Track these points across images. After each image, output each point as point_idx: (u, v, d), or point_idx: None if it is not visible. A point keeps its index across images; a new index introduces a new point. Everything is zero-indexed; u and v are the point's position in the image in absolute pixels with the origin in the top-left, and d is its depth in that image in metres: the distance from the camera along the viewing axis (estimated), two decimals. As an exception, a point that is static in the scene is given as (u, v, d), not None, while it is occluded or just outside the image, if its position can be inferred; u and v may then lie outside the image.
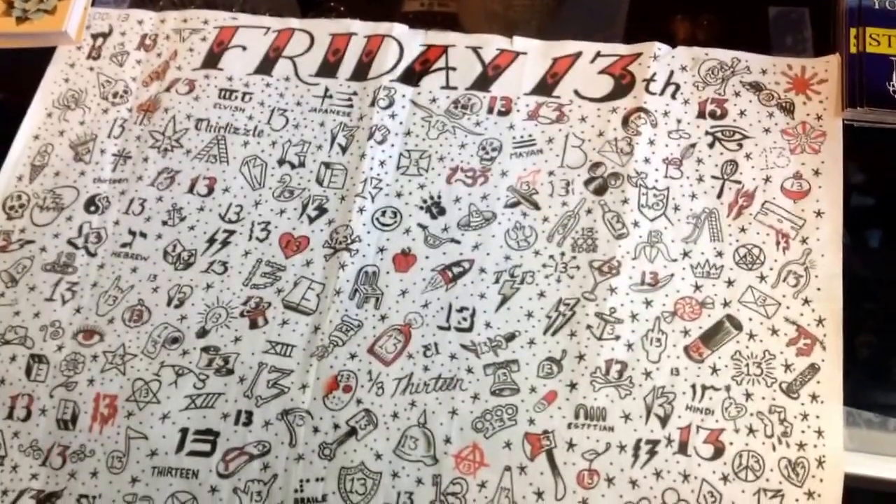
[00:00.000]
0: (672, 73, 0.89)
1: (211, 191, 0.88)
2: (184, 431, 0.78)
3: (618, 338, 0.77)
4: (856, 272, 0.78)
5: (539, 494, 0.74)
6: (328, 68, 0.94)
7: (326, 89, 0.92)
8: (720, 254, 0.80)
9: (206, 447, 0.78)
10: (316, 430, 0.77)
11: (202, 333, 0.82)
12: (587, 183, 0.84)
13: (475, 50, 0.93)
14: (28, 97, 0.96)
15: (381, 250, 0.84)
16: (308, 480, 0.76)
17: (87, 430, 0.79)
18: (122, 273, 0.85)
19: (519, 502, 0.74)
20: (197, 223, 0.87)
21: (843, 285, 0.77)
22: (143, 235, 0.87)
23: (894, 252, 0.80)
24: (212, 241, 0.86)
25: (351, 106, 0.91)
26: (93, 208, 0.89)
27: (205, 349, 0.81)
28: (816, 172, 0.82)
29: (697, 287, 0.79)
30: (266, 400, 0.78)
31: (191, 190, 0.88)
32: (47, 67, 0.97)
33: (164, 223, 0.87)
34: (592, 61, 0.91)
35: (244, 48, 0.96)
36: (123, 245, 0.87)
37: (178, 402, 0.79)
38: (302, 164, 0.89)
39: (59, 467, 0.79)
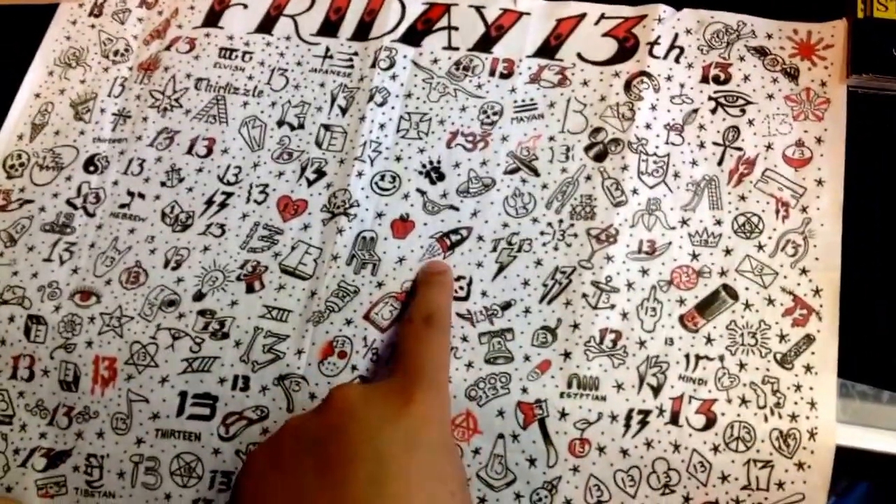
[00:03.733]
0: (676, 35, 0.87)
1: (210, 152, 0.88)
2: (183, 395, 0.79)
3: (613, 307, 0.77)
4: (855, 242, 0.77)
5: (531, 462, 0.74)
6: (329, 27, 0.92)
7: (327, 49, 0.91)
8: (719, 222, 0.79)
9: (206, 411, 0.78)
10: (312, 395, 0.78)
11: (199, 297, 0.82)
12: (587, 149, 0.83)
13: (478, 9, 0.91)
14: (30, 55, 0.95)
15: (380, 215, 0.83)
16: (304, 444, 0.77)
17: (90, 391, 0.80)
18: (119, 234, 0.85)
19: (512, 469, 0.74)
20: (195, 184, 0.86)
21: (841, 255, 0.77)
22: (142, 196, 0.87)
23: (894, 223, 0.79)
24: (210, 202, 0.86)
25: (352, 66, 0.90)
26: (92, 168, 0.89)
27: (201, 312, 0.81)
28: (819, 140, 0.81)
29: (695, 256, 0.79)
30: (262, 365, 0.79)
31: (190, 151, 0.88)
32: (49, 25, 0.96)
33: (163, 184, 0.87)
34: (596, 23, 0.89)
35: (245, 6, 0.94)
36: (122, 206, 0.86)
37: (175, 365, 0.80)
38: (301, 126, 0.88)
39: (65, 427, 0.80)
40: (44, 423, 0.80)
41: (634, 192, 0.81)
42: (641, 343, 0.76)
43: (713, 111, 0.84)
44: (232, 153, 0.87)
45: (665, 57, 0.86)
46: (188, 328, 0.81)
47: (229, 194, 0.86)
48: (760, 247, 0.78)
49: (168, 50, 0.92)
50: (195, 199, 0.86)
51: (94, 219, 0.86)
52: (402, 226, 0.82)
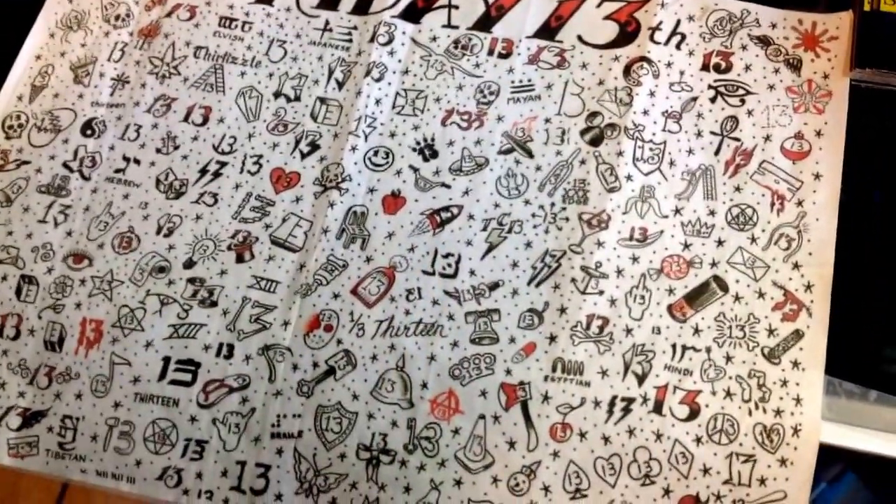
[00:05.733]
0: (679, 22, 0.81)
1: (206, 120, 0.83)
2: (166, 360, 0.75)
3: (601, 293, 0.72)
4: (849, 239, 0.72)
5: (511, 444, 0.70)
6: (330, 0, 0.87)
7: (327, 22, 0.86)
8: (712, 212, 0.74)
9: (187, 377, 0.74)
10: (295, 367, 0.73)
11: (189, 264, 0.77)
12: (583, 133, 0.78)
13: None
14: (32, 16, 0.90)
15: (371, 191, 0.78)
16: (285, 416, 0.72)
17: (73, 352, 0.76)
18: (114, 199, 0.81)
19: (491, 450, 0.70)
20: (190, 153, 0.82)
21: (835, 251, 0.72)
22: (137, 162, 0.82)
23: (891, 220, 0.74)
24: (204, 171, 0.81)
25: (350, 41, 0.85)
26: (89, 132, 0.84)
27: (190, 280, 0.77)
28: (818, 133, 0.76)
29: (686, 245, 0.74)
30: (248, 334, 0.75)
31: (186, 118, 0.83)
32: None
33: (158, 151, 0.82)
34: (598, 6, 0.83)
35: (248, -25, 0.89)
36: (117, 171, 0.82)
37: (161, 330, 0.75)
38: (297, 98, 0.83)
39: (45, 387, 0.76)
40: (24, 383, 0.76)
41: (629, 178, 0.76)
42: (628, 330, 0.71)
43: (712, 100, 0.78)
44: (228, 123, 0.82)
45: (666, 43, 0.80)
46: (177, 295, 0.77)
47: (223, 164, 0.81)
48: (753, 239, 0.73)
49: (169, 17, 0.87)
50: (189, 168, 0.81)
51: (89, 182, 0.82)
52: (393, 201, 0.78)
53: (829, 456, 0.69)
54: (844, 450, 0.68)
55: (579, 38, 0.82)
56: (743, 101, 0.78)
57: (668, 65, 0.80)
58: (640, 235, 0.74)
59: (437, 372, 0.72)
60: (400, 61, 0.83)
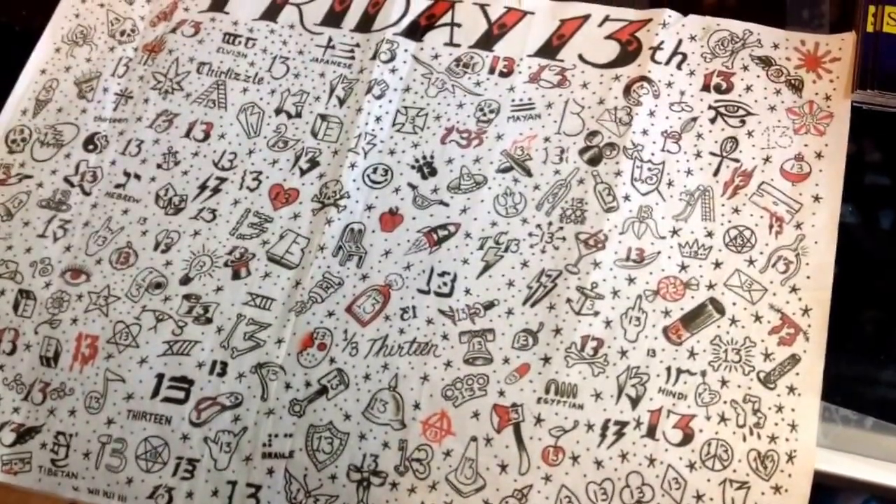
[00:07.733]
0: (680, 42, 0.80)
1: (207, 136, 0.82)
2: (160, 377, 0.74)
3: (597, 314, 0.71)
4: (848, 262, 0.70)
5: (503, 467, 0.68)
6: (333, 18, 0.86)
7: (330, 39, 0.85)
8: (710, 234, 0.73)
9: (181, 394, 0.73)
10: (288, 386, 0.72)
11: (185, 280, 0.77)
12: (582, 152, 0.77)
13: (482, 7, 0.84)
14: (39, 31, 0.90)
15: (369, 208, 0.77)
16: (277, 435, 0.71)
17: (68, 368, 0.75)
18: (113, 214, 0.80)
19: (482, 473, 0.68)
20: (191, 168, 0.81)
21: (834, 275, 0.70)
22: (138, 177, 0.81)
23: (891, 243, 0.72)
24: (203, 187, 0.80)
25: (352, 58, 0.84)
26: (91, 147, 0.83)
27: (186, 296, 0.76)
28: (819, 155, 0.74)
29: (683, 267, 0.72)
30: (241, 352, 0.74)
31: (187, 134, 0.82)
32: (59, 1, 0.91)
33: (159, 166, 0.81)
34: (600, 25, 0.82)
35: (252, -8, 0.89)
36: (117, 186, 0.81)
37: (156, 347, 0.75)
38: (298, 115, 0.82)
39: (39, 403, 0.75)
40: (19, 398, 0.75)
41: (626, 198, 0.74)
42: (623, 353, 0.70)
43: (712, 120, 0.77)
44: (228, 139, 0.82)
45: (667, 63, 0.79)
46: (172, 311, 0.76)
47: (223, 180, 0.80)
48: (751, 261, 0.71)
49: (173, 32, 0.87)
50: (189, 183, 0.80)
51: (89, 197, 0.81)
52: (391, 219, 0.76)
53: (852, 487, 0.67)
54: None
55: (580, 57, 0.81)
56: (743, 122, 0.76)
57: (669, 84, 0.78)
58: (636, 256, 0.73)
59: (429, 392, 0.70)
60: (401, 79, 0.82)
